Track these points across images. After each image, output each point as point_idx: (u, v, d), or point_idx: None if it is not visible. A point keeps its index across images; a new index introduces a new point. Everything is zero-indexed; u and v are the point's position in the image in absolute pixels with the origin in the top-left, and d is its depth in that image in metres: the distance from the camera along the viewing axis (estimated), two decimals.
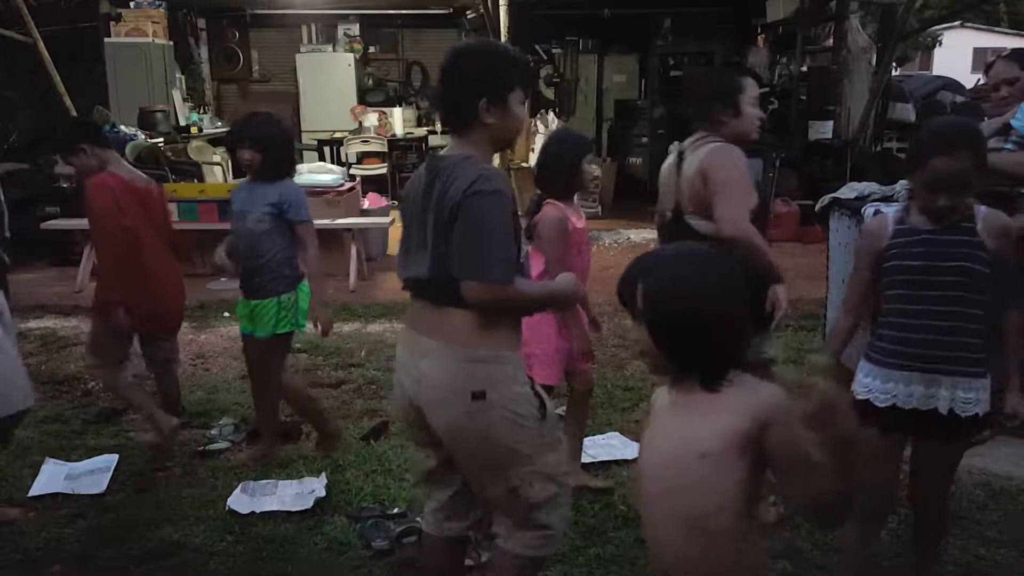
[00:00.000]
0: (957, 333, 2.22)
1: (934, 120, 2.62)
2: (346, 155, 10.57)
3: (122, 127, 8.80)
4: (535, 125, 9.42)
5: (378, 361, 4.98)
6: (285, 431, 3.91)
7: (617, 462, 3.56)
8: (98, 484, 3.46)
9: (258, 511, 3.22)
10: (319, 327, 3.58)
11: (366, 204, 7.91)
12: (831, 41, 9.75)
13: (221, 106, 12.37)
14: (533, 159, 6.14)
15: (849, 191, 4.37)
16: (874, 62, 9.32)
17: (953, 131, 2.21)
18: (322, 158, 10.44)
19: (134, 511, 3.27)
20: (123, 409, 4.29)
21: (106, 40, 10.10)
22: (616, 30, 11.03)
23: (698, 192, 2.82)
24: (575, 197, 3.14)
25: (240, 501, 3.28)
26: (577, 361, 3.16)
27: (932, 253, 2.21)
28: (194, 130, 9.92)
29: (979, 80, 11.19)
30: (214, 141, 9.72)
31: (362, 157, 10.77)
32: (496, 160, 5.69)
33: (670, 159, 3.02)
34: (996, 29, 27.84)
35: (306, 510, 3.21)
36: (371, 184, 9.60)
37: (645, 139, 11.15)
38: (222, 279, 3.65)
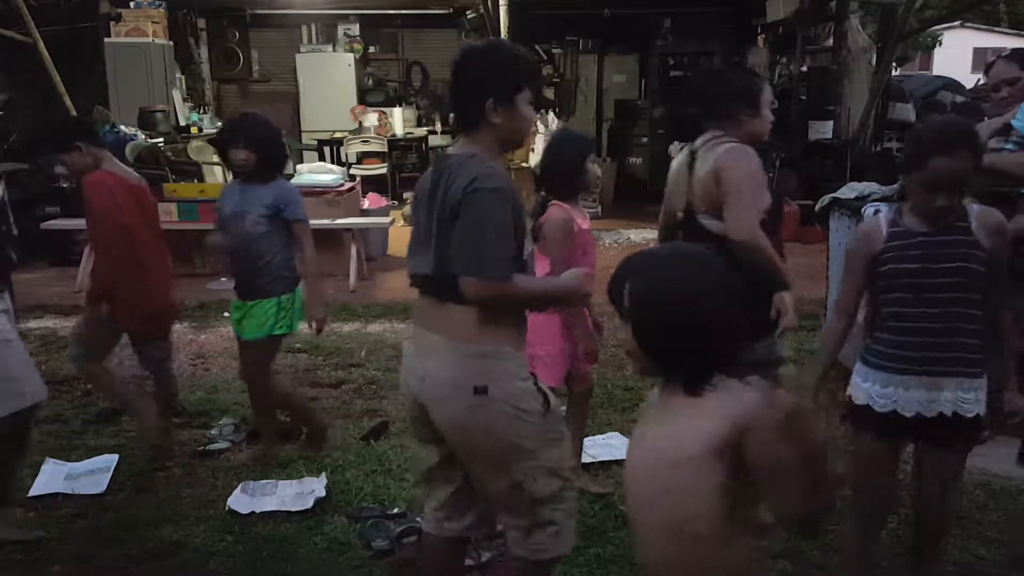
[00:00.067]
0: (956, 334, 2.21)
1: (930, 120, 2.60)
2: (346, 155, 10.57)
3: (122, 127, 8.80)
4: (535, 125, 9.42)
5: (378, 361, 4.98)
6: (285, 431, 3.91)
7: (617, 462, 3.56)
8: (98, 484, 3.46)
9: (258, 511, 3.22)
10: (314, 326, 3.59)
11: (366, 204, 7.91)
12: (831, 41, 9.75)
13: (221, 106, 12.36)
14: (533, 159, 6.14)
15: (849, 191, 4.38)
16: (874, 62, 9.32)
17: (952, 131, 2.20)
18: (322, 158, 10.44)
19: (134, 511, 3.27)
20: (123, 409, 4.30)
21: (106, 40, 10.10)
22: (616, 30, 11.03)
23: (711, 192, 2.78)
24: (579, 198, 3.14)
25: (240, 501, 3.28)
26: (580, 362, 3.15)
27: (929, 255, 2.20)
28: (194, 130, 9.91)
29: (979, 80, 11.19)
30: (214, 141, 9.71)
31: (362, 157, 10.77)
32: None
33: (680, 158, 2.97)
34: (996, 29, 27.83)
35: (306, 510, 3.21)
36: (371, 184, 9.60)
37: (645, 139, 11.17)
38: (222, 279, 3.65)
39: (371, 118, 11.11)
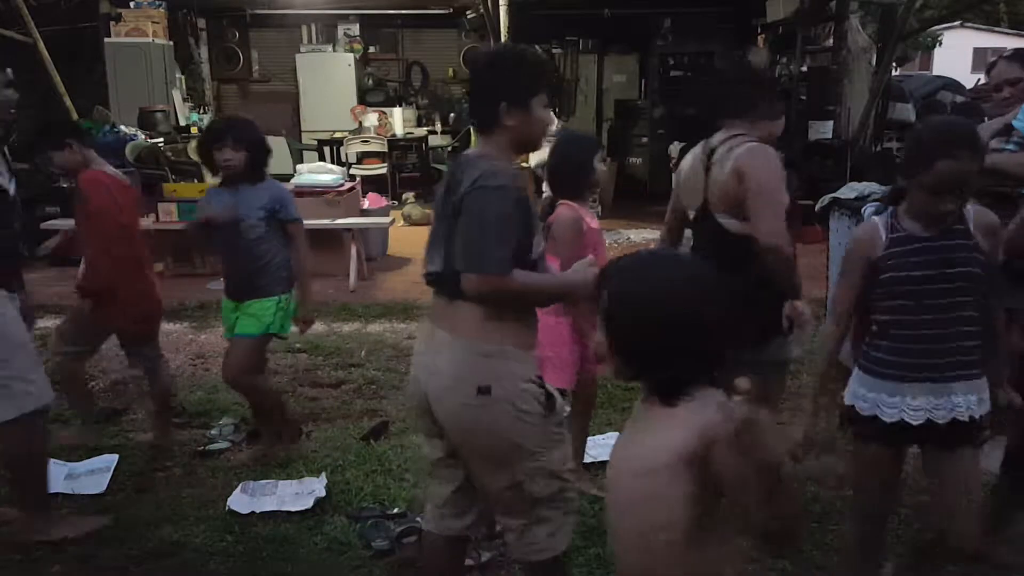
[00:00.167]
0: (959, 338, 2.18)
1: (931, 121, 2.55)
2: (346, 155, 10.57)
3: (122, 127, 8.80)
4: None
5: (378, 361, 4.98)
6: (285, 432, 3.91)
7: None
8: (98, 484, 3.46)
9: (258, 511, 3.21)
10: (302, 324, 3.63)
11: (366, 204, 7.91)
12: (831, 41, 9.74)
13: (221, 106, 12.38)
14: (533, 160, 6.13)
15: (849, 191, 4.38)
16: (874, 62, 9.31)
17: (956, 133, 2.16)
18: (322, 158, 10.45)
19: (134, 511, 3.27)
20: (123, 409, 4.30)
21: (106, 40, 10.11)
22: (616, 30, 11.03)
23: (732, 192, 2.69)
24: (587, 197, 3.14)
25: (240, 501, 3.27)
26: (590, 364, 3.14)
27: (931, 261, 2.16)
28: (194, 130, 9.90)
29: (979, 80, 11.19)
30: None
31: (362, 157, 10.77)
32: None
33: (693, 157, 2.90)
34: (996, 29, 27.84)
35: (306, 510, 3.21)
36: (371, 184, 9.61)
37: (645, 139, 11.17)
38: (222, 279, 3.66)
39: (371, 118, 11.12)
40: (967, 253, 2.17)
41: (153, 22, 10.32)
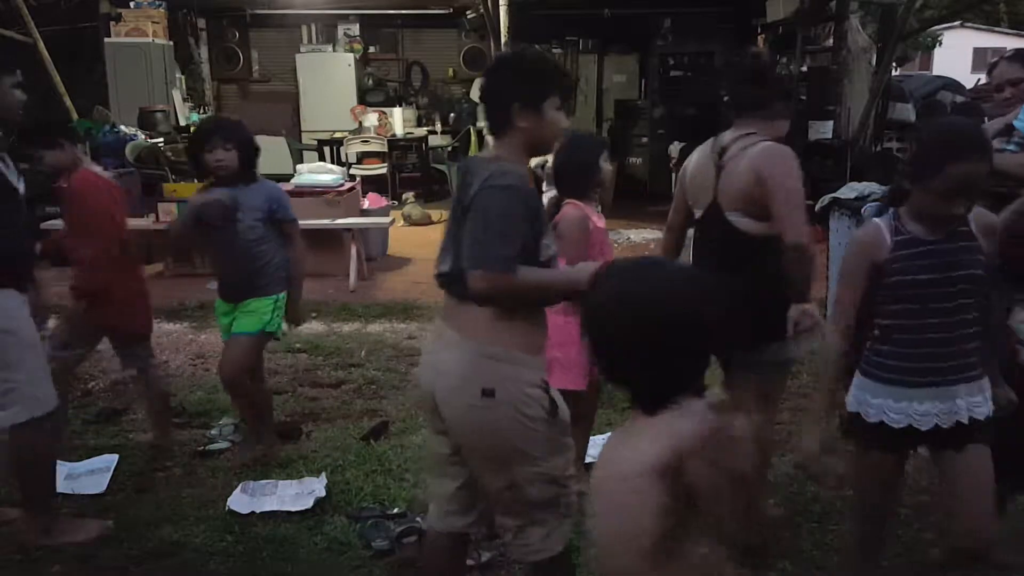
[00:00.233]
0: (962, 341, 2.17)
1: (935, 124, 2.53)
2: (346, 155, 10.57)
3: (122, 127, 8.80)
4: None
5: (378, 361, 4.98)
6: (285, 431, 3.91)
7: None
8: (98, 484, 3.46)
9: (258, 511, 3.21)
10: (292, 321, 3.64)
11: (366, 204, 7.91)
12: (831, 41, 9.74)
13: (221, 106, 12.38)
14: (533, 160, 6.13)
15: (849, 191, 4.39)
16: (874, 62, 9.31)
17: (965, 135, 2.14)
18: (322, 158, 10.44)
19: (134, 511, 3.27)
20: (123, 409, 4.30)
21: (106, 40, 10.11)
22: (616, 30, 11.04)
23: (748, 192, 2.65)
24: (593, 197, 3.14)
25: (240, 501, 3.27)
26: (595, 366, 3.11)
27: (937, 265, 2.14)
28: (194, 130, 9.91)
29: (979, 80, 11.19)
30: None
31: (362, 157, 10.77)
32: None
33: (702, 155, 2.86)
34: (996, 29, 27.85)
35: (306, 510, 3.21)
36: (371, 184, 9.60)
37: (645, 139, 11.17)
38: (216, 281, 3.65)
39: (371, 118, 11.12)
40: (971, 256, 2.15)
41: (153, 22, 10.32)
